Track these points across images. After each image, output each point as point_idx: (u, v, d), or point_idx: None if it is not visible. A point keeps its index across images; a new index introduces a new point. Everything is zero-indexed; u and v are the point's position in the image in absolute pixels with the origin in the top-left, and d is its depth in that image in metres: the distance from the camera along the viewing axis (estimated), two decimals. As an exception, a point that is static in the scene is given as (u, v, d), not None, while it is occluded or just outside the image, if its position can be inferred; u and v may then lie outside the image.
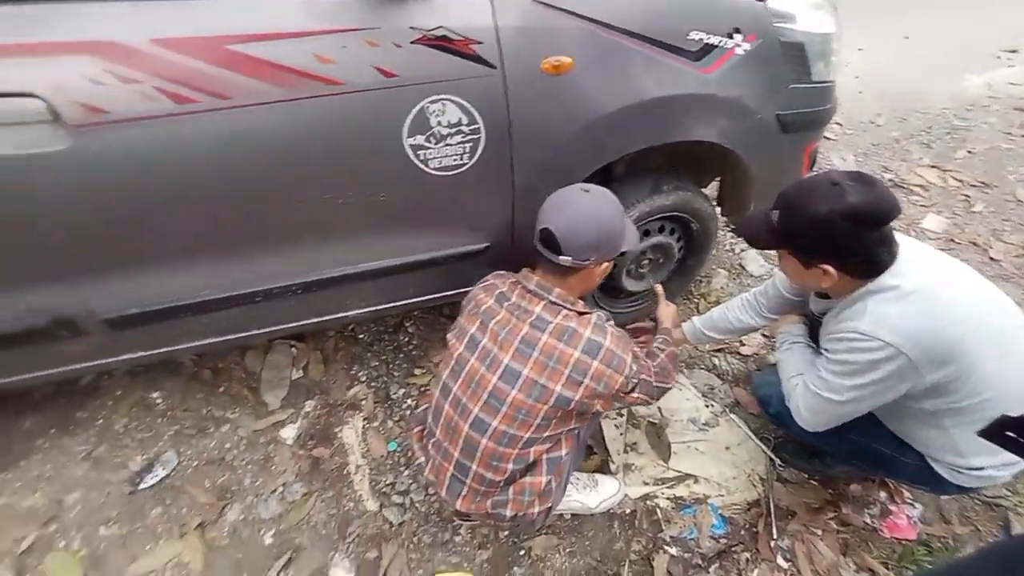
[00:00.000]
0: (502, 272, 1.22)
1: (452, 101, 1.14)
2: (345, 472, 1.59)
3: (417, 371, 1.84)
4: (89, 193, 1.08)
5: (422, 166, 1.21)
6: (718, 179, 1.77)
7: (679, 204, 1.51)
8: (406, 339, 1.95)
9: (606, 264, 1.13)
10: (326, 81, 1.06)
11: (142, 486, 1.58)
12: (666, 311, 1.48)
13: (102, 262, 1.22)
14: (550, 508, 1.22)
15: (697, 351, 1.85)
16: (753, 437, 1.57)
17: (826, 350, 1.08)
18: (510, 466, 1.11)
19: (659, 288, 1.59)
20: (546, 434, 1.09)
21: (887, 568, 1.28)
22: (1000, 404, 0.96)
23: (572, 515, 1.44)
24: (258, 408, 1.77)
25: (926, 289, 0.95)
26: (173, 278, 1.28)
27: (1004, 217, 2.26)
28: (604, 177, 1.56)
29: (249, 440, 1.68)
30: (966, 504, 1.40)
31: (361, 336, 1.97)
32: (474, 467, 1.12)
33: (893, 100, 3.08)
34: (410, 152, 1.18)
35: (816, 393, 1.08)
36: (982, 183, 2.47)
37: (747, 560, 1.32)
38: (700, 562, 1.32)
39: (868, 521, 1.36)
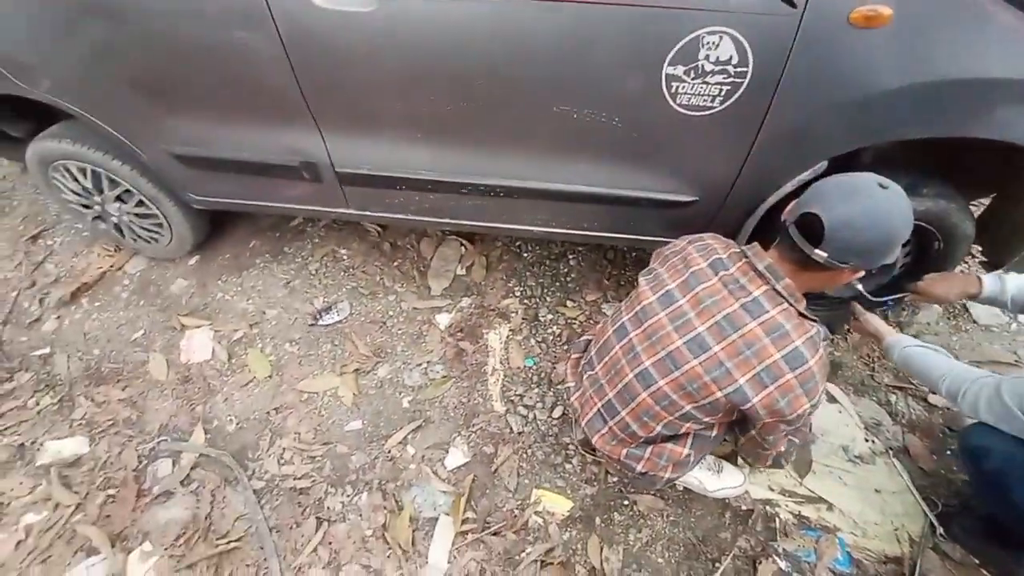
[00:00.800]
0: (718, 236, 1.12)
1: (731, 36, 1.04)
2: (483, 370, 1.70)
3: (569, 303, 1.87)
4: (379, 55, 1.18)
5: (669, 99, 1.15)
6: (990, 197, 1.47)
7: (932, 215, 1.29)
8: (565, 270, 1.98)
9: (859, 273, 0.95)
10: (606, -12, 1.03)
11: (320, 323, 1.84)
12: (873, 324, 1.34)
13: (356, 122, 1.37)
14: (677, 477, 1.21)
15: (873, 380, 1.64)
16: (914, 491, 1.39)
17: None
18: (658, 428, 1.09)
19: (857, 307, 1.42)
20: (707, 418, 1.05)
21: None
22: None
23: (685, 488, 1.42)
24: (422, 290, 1.95)
25: None
26: (408, 150, 1.40)
27: None
28: (847, 162, 1.37)
29: (408, 314, 1.87)
30: None
31: (525, 255, 2.04)
32: (623, 413, 1.12)
33: None
34: (664, 81, 1.13)
35: None
36: None
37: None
38: (809, 587, 1.25)
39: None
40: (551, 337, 1.78)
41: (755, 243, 1.02)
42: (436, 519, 1.39)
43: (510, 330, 1.80)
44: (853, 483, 1.42)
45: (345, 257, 2.06)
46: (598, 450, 1.22)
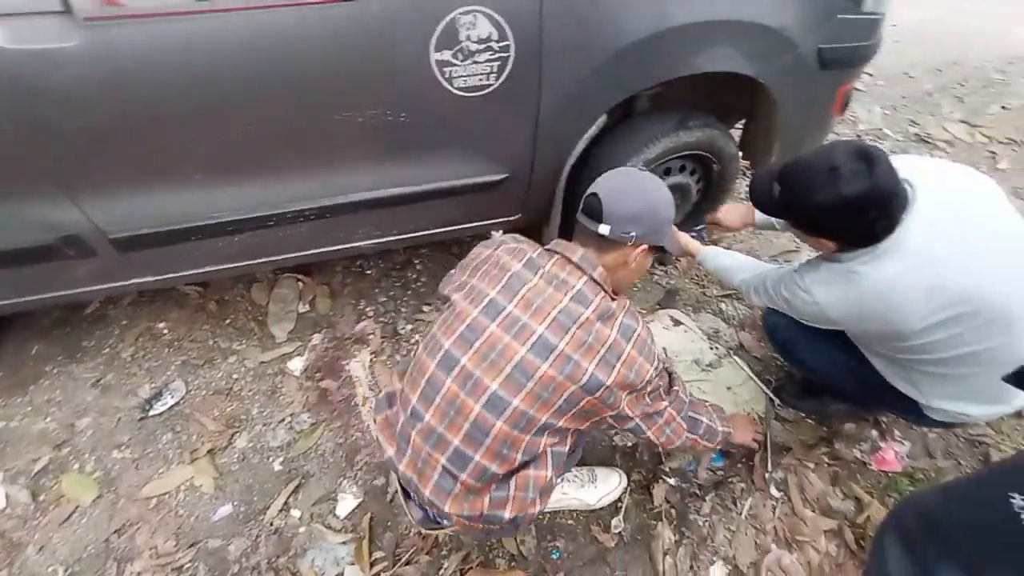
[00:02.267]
0: (520, 237, 1.07)
1: (484, 14, 1.07)
2: (353, 404, 1.60)
3: (425, 308, 1.83)
4: (99, 96, 1.01)
5: (447, 85, 1.15)
6: (743, 119, 1.73)
7: (703, 142, 1.48)
8: (414, 276, 1.93)
9: (645, 254, 1.00)
10: (349, -17, 0.99)
11: (152, 413, 1.58)
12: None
13: (111, 175, 1.16)
14: (545, 507, 1.08)
15: (705, 296, 1.86)
16: (754, 377, 1.61)
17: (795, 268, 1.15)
18: (519, 456, 0.94)
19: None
20: (561, 423, 0.93)
21: (871, 496, 1.35)
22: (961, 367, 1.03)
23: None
24: (265, 340, 1.76)
25: (869, 286, 0.98)
26: (186, 196, 1.23)
27: None
28: (626, 111, 1.51)
29: (256, 371, 1.68)
30: (951, 441, 1.46)
31: (368, 272, 1.95)
32: (478, 457, 0.92)
33: (931, 50, 2.95)
34: (436, 68, 1.12)
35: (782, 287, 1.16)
36: (1011, 139, 2.41)
37: (742, 490, 1.38)
38: (697, 491, 1.38)
39: (858, 455, 1.42)
40: (416, 347, 1.73)
41: (559, 239, 1.02)
42: (342, 574, 1.28)
43: (372, 353, 1.71)
44: (710, 389, 1.59)
45: (165, 331, 1.78)
46: (450, 517, 0.98)
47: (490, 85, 1.18)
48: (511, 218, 1.53)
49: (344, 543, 1.32)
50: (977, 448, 1.46)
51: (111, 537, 1.35)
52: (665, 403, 1.02)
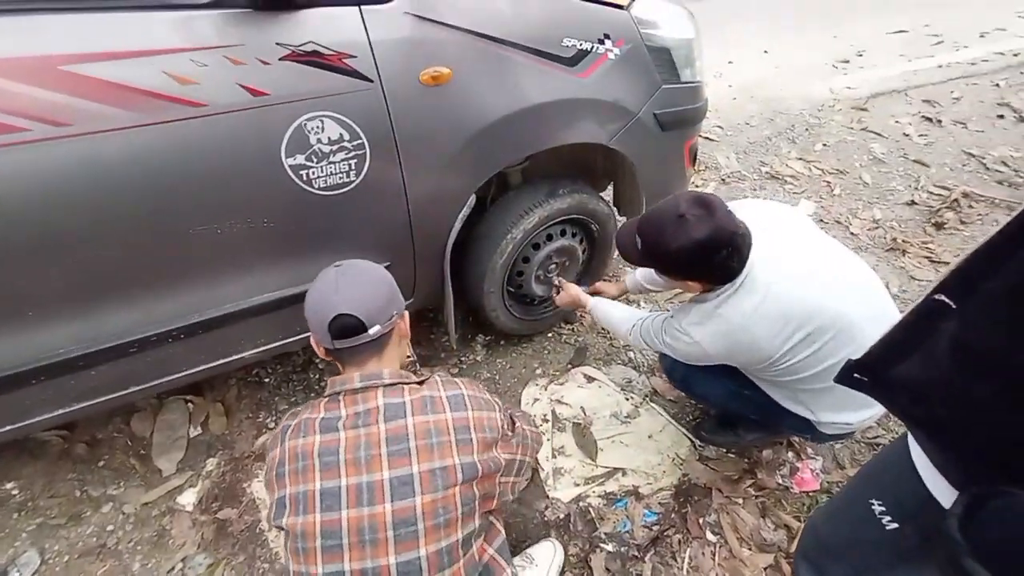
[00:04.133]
0: (297, 410, 0.97)
1: (331, 117, 1.09)
2: (257, 530, 1.43)
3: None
4: None
5: (306, 186, 1.15)
6: (611, 182, 1.86)
7: (576, 207, 1.56)
8: (316, 376, 1.82)
9: (406, 313, 1.00)
10: (186, 103, 0.98)
11: (-3, 599, 1.32)
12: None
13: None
14: None
15: (613, 347, 1.90)
16: (672, 421, 1.63)
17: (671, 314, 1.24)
18: None
19: (560, 279, 1.66)
20: (477, 522, 0.89)
21: (799, 521, 1.37)
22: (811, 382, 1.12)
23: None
24: (149, 477, 1.56)
25: (733, 318, 1.07)
26: (24, 334, 1.10)
27: (856, 197, 2.60)
28: (499, 187, 1.58)
29: (138, 516, 1.47)
30: (855, 448, 1.54)
31: (266, 379, 1.81)
32: None
33: (761, 104, 3.49)
34: (291, 173, 1.12)
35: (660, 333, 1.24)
36: (837, 170, 2.82)
37: (679, 541, 1.35)
38: (636, 553, 1.33)
39: (780, 481, 1.45)
40: None
41: (332, 379, 0.94)
42: None
43: (275, 469, 1.56)
44: (631, 441, 1.59)
45: (15, 493, 1.52)
46: None
47: (352, 182, 1.19)
48: (407, 302, 1.51)
49: None
50: (876, 449, 1.54)
51: None
52: (517, 423, 1.03)
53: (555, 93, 1.29)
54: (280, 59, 1.02)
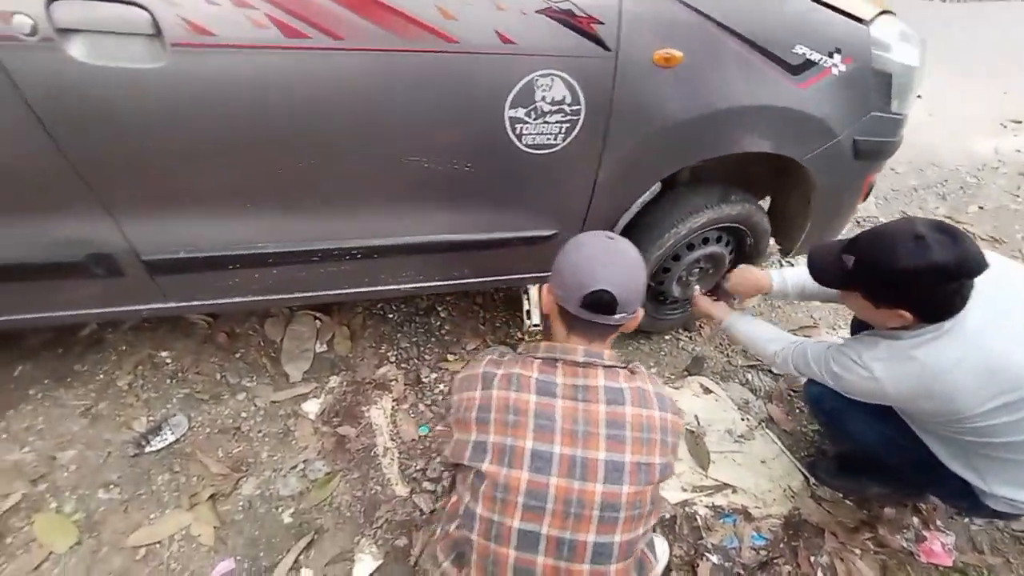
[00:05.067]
0: (494, 357, 0.96)
1: (561, 77, 1.11)
2: (372, 453, 1.51)
3: (450, 356, 1.78)
4: (172, 121, 1.00)
5: (515, 140, 1.18)
6: (768, 198, 1.80)
7: (742, 216, 1.53)
8: (438, 323, 1.89)
9: (640, 310, 0.95)
10: (443, 37, 1.02)
11: (148, 449, 1.46)
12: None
13: (162, 198, 1.13)
14: None
15: (731, 365, 1.86)
16: (786, 452, 1.59)
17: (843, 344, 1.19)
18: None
19: (697, 290, 1.63)
20: (652, 521, 0.90)
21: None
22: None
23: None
24: (277, 379, 1.68)
25: (931, 365, 1.01)
26: (234, 224, 1.20)
27: None
28: (667, 182, 1.57)
29: (267, 411, 1.59)
30: (995, 536, 1.43)
31: (390, 316, 1.90)
32: None
33: (911, 152, 3.22)
34: (507, 124, 1.15)
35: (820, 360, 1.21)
36: (992, 238, 2.61)
37: (788, 573, 1.32)
38: (742, 572, 1.31)
39: (904, 545, 1.38)
40: (440, 397, 1.66)
41: (542, 343, 0.95)
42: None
43: (394, 400, 1.64)
44: (743, 461, 1.56)
45: (168, 361, 1.68)
46: None
47: (556, 145, 1.21)
48: (548, 273, 1.53)
49: (358, 612, 1.20)
50: (1023, 544, 1.43)
51: (90, 592, 1.20)
52: None
53: (771, 98, 1.25)
54: (536, 11, 1.04)
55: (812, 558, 1.34)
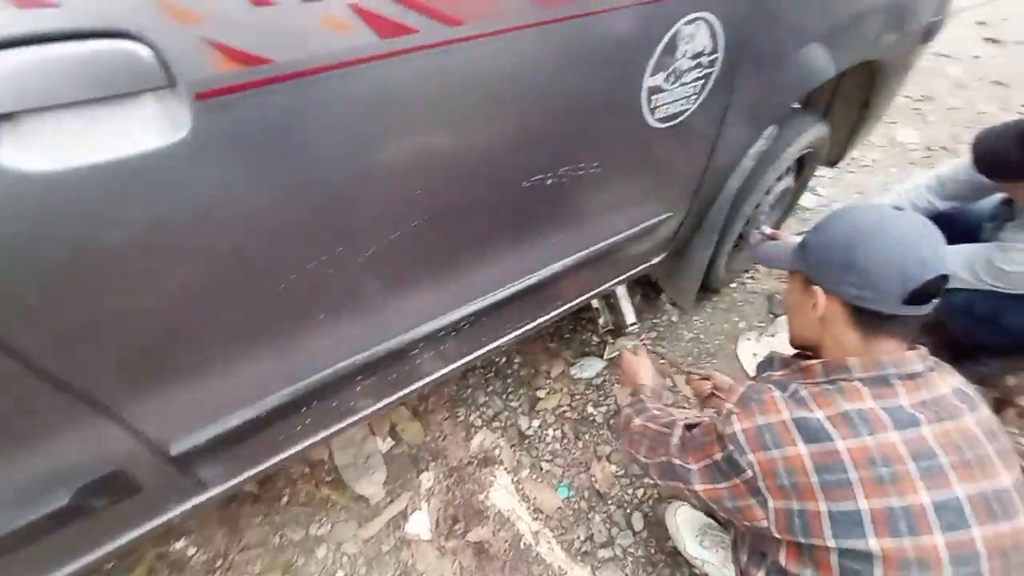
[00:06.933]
0: (773, 394, 0.74)
1: (706, 21, 0.83)
2: (523, 546, 1.21)
3: (540, 392, 1.49)
4: (206, 226, 0.57)
5: (649, 116, 0.88)
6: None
7: (820, 138, 1.39)
8: (503, 361, 1.56)
9: None
10: (567, -2, 0.68)
11: None
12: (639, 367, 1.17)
13: (190, 352, 0.68)
14: None
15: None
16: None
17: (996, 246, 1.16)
18: None
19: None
20: None
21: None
22: None
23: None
24: (355, 508, 1.27)
25: None
26: (308, 343, 0.79)
27: (952, 123, 2.52)
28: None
29: (365, 556, 1.19)
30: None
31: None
32: None
33: None
34: (645, 98, 0.85)
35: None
36: (923, 96, 2.73)
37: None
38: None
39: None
40: (557, 444, 1.38)
41: (814, 362, 0.76)
42: None
43: (509, 472, 1.32)
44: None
45: (192, 551, 1.18)
46: None
47: (687, 110, 0.94)
48: (652, 263, 1.29)
49: None
50: None
51: None
52: None
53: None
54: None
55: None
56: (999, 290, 1.17)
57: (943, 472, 0.64)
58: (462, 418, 1.43)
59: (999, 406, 1.44)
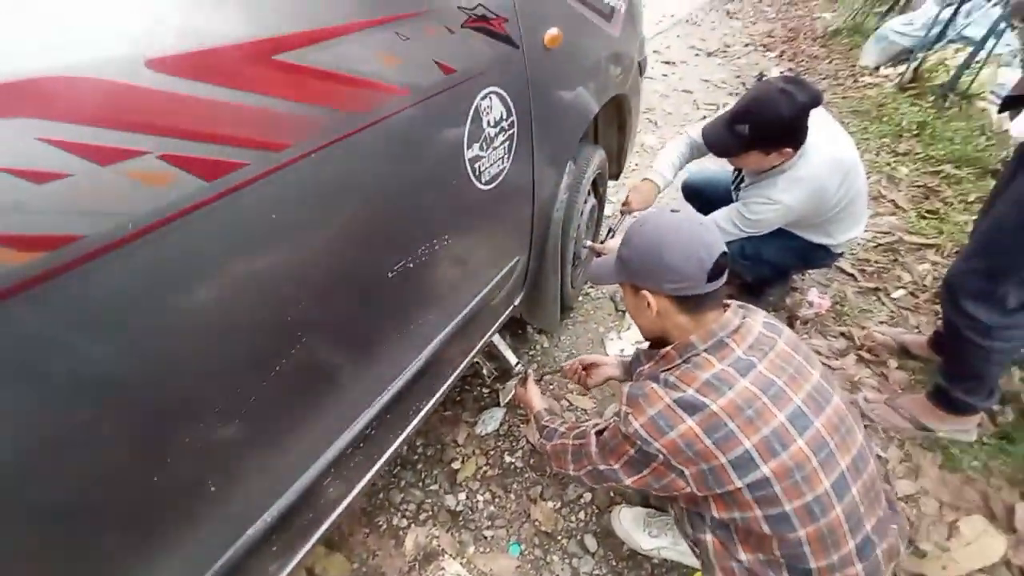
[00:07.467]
0: (644, 390, 0.87)
1: (496, 93, 0.95)
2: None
3: (455, 464, 1.44)
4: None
5: (476, 182, 0.97)
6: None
7: (602, 162, 1.66)
8: (405, 449, 1.48)
9: None
10: (393, 91, 0.73)
11: None
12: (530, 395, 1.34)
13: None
14: None
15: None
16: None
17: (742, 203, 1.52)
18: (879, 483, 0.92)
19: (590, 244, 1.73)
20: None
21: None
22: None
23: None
24: None
25: (814, 177, 1.40)
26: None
27: (673, 124, 3.20)
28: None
29: None
30: (826, 274, 2.10)
31: (352, 485, 1.38)
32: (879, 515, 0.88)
33: None
34: (469, 168, 0.94)
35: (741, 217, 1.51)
36: (647, 108, 3.48)
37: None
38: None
39: (803, 314, 1.88)
40: (491, 506, 1.35)
41: (666, 349, 0.92)
42: None
43: (456, 555, 1.25)
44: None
45: None
46: None
47: (505, 168, 1.05)
48: (516, 304, 1.38)
49: None
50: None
51: None
52: None
53: (608, 47, 1.37)
54: (462, 26, 0.84)
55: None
56: (754, 234, 1.54)
57: (784, 392, 0.82)
58: (385, 526, 1.31)
59: (790, 322, 1.86)
